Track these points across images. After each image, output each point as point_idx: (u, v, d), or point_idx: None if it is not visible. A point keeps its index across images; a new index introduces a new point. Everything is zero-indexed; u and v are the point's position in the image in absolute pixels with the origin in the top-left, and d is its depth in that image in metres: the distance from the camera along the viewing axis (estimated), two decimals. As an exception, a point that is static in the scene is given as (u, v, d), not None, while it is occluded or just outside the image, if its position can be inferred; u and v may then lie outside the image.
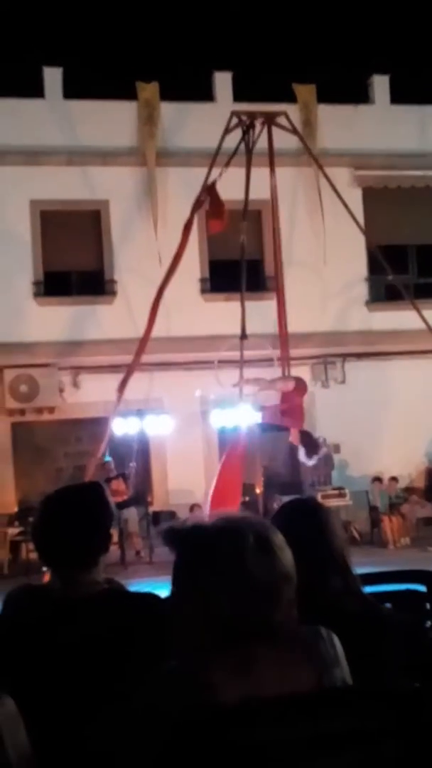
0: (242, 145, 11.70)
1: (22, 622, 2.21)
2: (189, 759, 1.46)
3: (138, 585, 2.57)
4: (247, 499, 13.35)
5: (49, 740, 1.87)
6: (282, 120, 11.58)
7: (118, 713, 1.81)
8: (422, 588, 3.24)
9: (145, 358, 11.30)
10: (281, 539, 1.69)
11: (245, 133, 11.52)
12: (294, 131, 11.76)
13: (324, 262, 14.54)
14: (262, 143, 11.53)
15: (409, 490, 15.16)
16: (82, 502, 2.32)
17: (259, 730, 1.48)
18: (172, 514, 14.07)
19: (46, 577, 2.40)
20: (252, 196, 11.61)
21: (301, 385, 10.95)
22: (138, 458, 14.11)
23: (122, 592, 2.35)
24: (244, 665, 1.59)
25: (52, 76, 15.08)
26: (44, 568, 2.39)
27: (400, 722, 1.54)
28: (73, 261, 15.07)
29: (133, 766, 1.60)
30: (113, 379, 12.25)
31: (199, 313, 14.75)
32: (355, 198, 14.44)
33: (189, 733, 1.48)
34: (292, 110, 13.61)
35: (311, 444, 10.33)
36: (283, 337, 11.31)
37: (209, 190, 10.94)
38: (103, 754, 1.90)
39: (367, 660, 1.85)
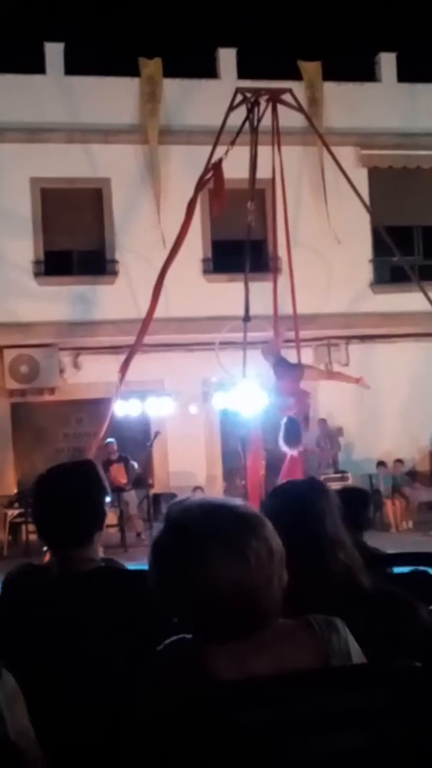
0: (247, 124, 11.52)
1: (20, 601, 2.22)
2: (190, 738, 1.46)
3: (139, 567, 2.51)
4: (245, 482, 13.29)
5: (49, 717, 1.86)
6: (287, 97, 11.39)
7: (119, 694, 1.82)
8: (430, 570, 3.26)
9: (146, 339, 11.20)
10: (269, 529, 1.61)
11: (250, 110, 11.33)
12: (299, 108, 11.57)
13: (337, 242, 14.39)
14: (266, 122, 11.35)
15: (412, 474, 15.12)
16: (72, 479, 2.32)
17: (259, 709, 1.49)
18: (172, 497, 14.03)
19: (47, 558, 2.40)
20: (256, 175, 11.44)
21: (286, 369, 10.56)
22: (144, 461, 14.04)
23: (119, 569, 2.37)
24: (239, 649, 1.57)
25: (54, 52, 14.87)
26: (44, 548, 2.39)
27: (401, 701, 1.54)
28: (74, 240, 14.92)
29: (135, 748, 1.58)
30: (114, 360, 12.14)
31: (201, 294, 14.62)
32: (360, 178, 14.26)
33: (189, 713, 1.47)
34: (298, 88, 13.41)
35: (292, 434, 10.03)
36: (274, 319, 11.12)
37: (214, 168, 10.75)
38: (105, 733, 1.90)
39: (373, 640, 1.81)
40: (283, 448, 10.05)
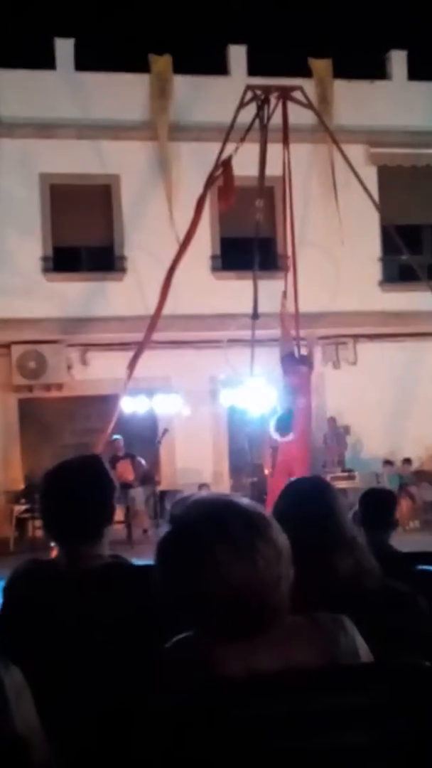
0: (257, 121, 11.51)
1: (28, 597, 2.22)
2: (195, 734, 1.46)
3: (145, 563, 2.52)
4: (255, 479, 13.30)
5: (56, 712, 1.86)
6: (297, 95, 11.39)
7: (126, 690, 1.82)
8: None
9: (154, 336, 11.21)
10: (275, 528, 1.60)
11: (260, 108, 11.32)
12: (309, 106, 11.56)
13: (342, 242, 14.31)
14: (276, 119, 11.35)
15: (419, 473, 15.10)
16: (81, 474, 2.31)
17: (264, 705, 1.48)
18: (179, 494, 14.04)
19: (54, 553, 2.39)
20: (265, 172, 11.44)
21: (291, 364, 10.62)
22: (151, 458, 14.08)
23: (127, 565, 2.34)
24: (247, 646, 1.56)
25: (64, 48, 14.89)
26: (51, 544, 2.38)
27: (408, 700, 1.53)
28: (83, 236, 14.93)
29: (142, 743, 1.59)
30: (122, 357, 12.14)
31: (209, 292, 14.61)
32: (369, 176, 14.23)
33: (194, 708, 1.47)
34: (308, 85, 13.38)
35: (283, 422, 10.24)
36: (283, 315, 11.12)
37: (224, 166, 10.75)
38: (112, 728, 1.91)
39: (382, 639, 1.81)
40: (274, 435, 10.22)
